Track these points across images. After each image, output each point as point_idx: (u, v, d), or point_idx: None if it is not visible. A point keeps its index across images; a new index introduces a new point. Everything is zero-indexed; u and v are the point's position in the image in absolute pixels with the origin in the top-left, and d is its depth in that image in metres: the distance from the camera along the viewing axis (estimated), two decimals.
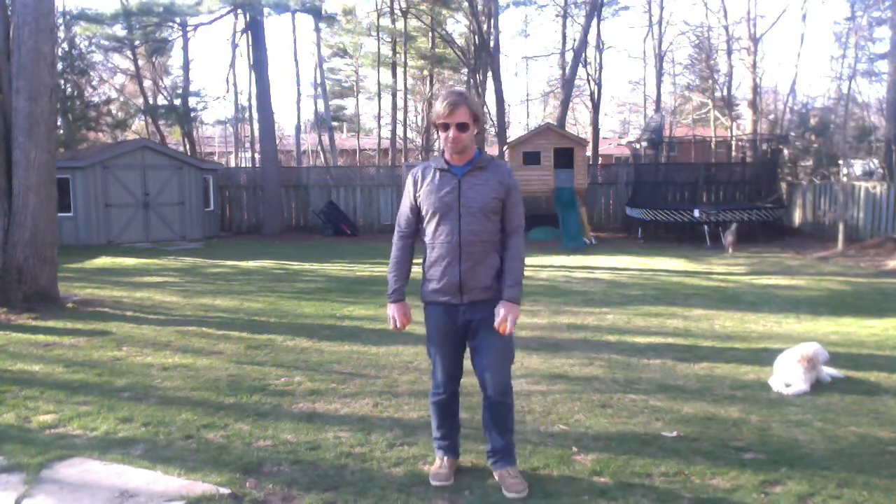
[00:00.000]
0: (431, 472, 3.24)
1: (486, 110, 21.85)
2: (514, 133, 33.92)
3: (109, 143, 21.22)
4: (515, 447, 3.27)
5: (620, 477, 3.26)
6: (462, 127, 2.99)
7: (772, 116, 27.53)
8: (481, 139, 21.26)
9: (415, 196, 3.14)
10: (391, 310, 3.20)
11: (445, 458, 3.27)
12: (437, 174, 3.10)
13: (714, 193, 18.62)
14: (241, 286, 9.50)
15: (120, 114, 24.03)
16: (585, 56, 25.04)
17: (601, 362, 5.33)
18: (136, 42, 22.46)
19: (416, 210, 3.16)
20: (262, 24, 19.70)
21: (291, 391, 4.61)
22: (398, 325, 3.20)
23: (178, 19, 21.11)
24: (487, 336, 3.08)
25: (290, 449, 3.59)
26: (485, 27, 23.06)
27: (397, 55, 29.71)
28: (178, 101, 25.17)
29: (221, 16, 20.69)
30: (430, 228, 3.11)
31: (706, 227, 15.08)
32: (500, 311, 3.07)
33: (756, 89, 26.31)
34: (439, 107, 3.01)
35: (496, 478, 3.17)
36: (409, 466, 3.38)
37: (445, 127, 3.00)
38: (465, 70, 28.24)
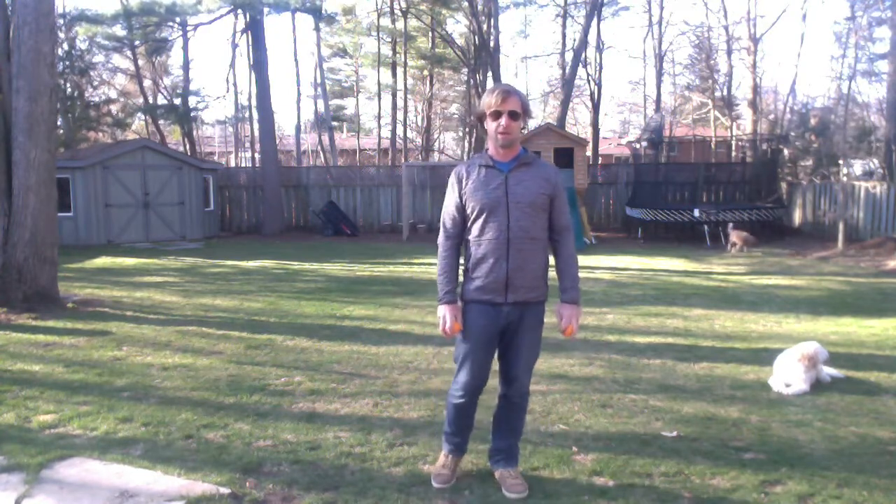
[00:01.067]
0: (434, 471, 3.23)
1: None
2: None
3: (109, 143, 21.21)
4: (519, 450, 3.26)
5: (620, 477, 3.26)
6: (514, 115, 2.94)
7: (772, 116, 27.54)
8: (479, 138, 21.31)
9: (460, 194, 3.05)
10: (444, 311, 3.06)
11: (451, 456, 3.23)
12: (483, 171, 3.03)
13: (714, 193, 18.62)
14: (241, 286, 9.50)
15: (121, 114, 24.02)
16: (585, 56, 25.04)
17: (601, 362, 5.33)
18: (136, 42, 22.46)
19: (461, 209, 3.06)
20: (262, 24, 19.71)
21: (291, 391, 4.61)
22: (449, 328, 3.04)
23: (178, 19, 21.11)
24: (523, 338, 3.05)
25: (290, 449, 3.59)
26: (485, 27, 23.06)
27: (397, 55, 29.72)
28: (178, 101, 25.18)
29: (221, 16, 20.70)
30: (476, 226, 3.02)
31: (706, 227, 15.08)
32: (564, 314, 3.07)
33: (756, 89, 26.32)
34: (490, 97, 2.96)
35: (496, 477, 3.17)
36: (409, 466, 3.38)
37: (496, 115, 2.94)
38: (465, 70, 28.25)
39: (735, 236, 13.39)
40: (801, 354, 4.60)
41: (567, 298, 3.08)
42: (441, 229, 3.15)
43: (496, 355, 3.15)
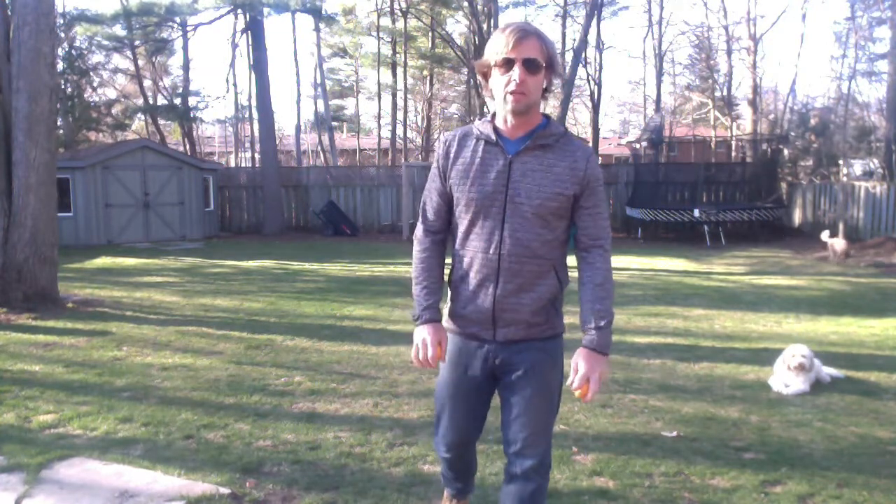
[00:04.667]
0: None
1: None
2: None
3: (109, 143, 21.23)
4: None
5: (620, 477, 3.25)
6: (532, 66, 1.96)
7: (772, 116, 27.54)
8: None
9: (445, 175, 2.16)
10: (422, 333, 2.14)
11: (455, 500, 2.59)
12: (481, 147, 2.10)
13: (714, 193, 18.61)
14: (241, 286, 9.50)
15: (121, 116, 24.05)
16: (585, 56, 25.03)
17: None
18: (136, 42, 22.48)
19: (447, 196, 2.18)
20: (262, 24, 19.71)
21: (291, 391, 4.61)
22: (432, 357, 2.12)
23: (178, 19, 21.12)
24: (526, 385, 2.12)
25: (290, 449, 3.59)
26: (485, 27, 23.06)
27: (397, 55, 29.74)
28: (178, 101, 25.21)
29: (221, 16, 20.70)
30: (461, 227, 2.14)
31: (706, 227, 15.08)
32: (582, 366, 2.04)
33: (756, 89, 26.32)
34: (498, 39, 1.99)
35: None
36: (409, 466, 3.38)
37: (507, 65, 1.97)
38: (465, 70, 28.26)
39: (838, 245, 11.72)
40: (782, 356, 4.63)
41: (589, 342, 2.07)
42: (420, 221, 2.26)
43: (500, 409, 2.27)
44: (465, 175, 2.11)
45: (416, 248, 2.26)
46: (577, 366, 2.06)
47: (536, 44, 1.98)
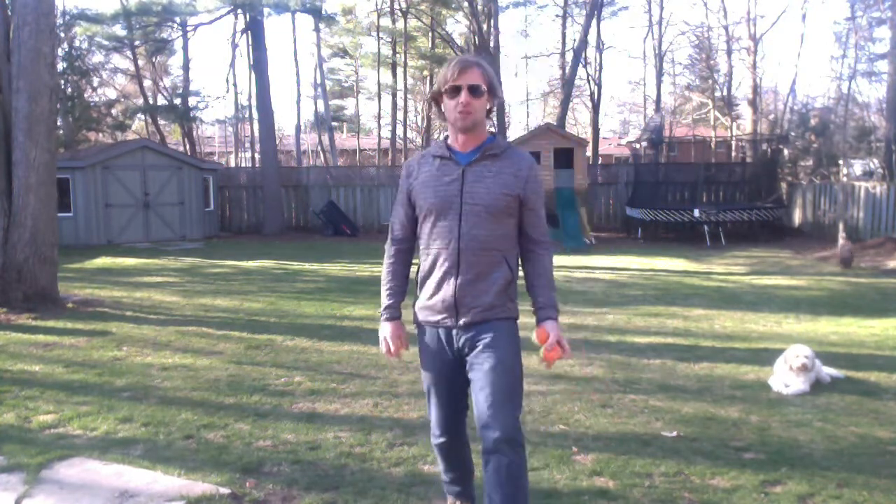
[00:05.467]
0: None
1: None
2: (514, 133, 34.00)
3: (109, 143, 21.22)
4: None
5: (620, 477, 3.25)
6: (476, 91, 2.35)
7: (772, 116, 27.55)
8: None
9: (408, 191, 2.53)
10: (383, 331, 2.60)
11: (458, 502, 2.77)
12: (437, 162, 2.48)
13: (714, 193, 18.62)
14: (241, 286, 9.50)
15: (121, 116, 24.04)
16: (585, 56, 25.05)
17: (601, 362, 5.33)
18: (136, 42, 22.47)
19: (411, 210, 2.55)
20: (262, 24, 19.71)
21: (291, 391, 4.61)
22: (391, 351, 2.60)
23: (178, 19, 21.12)
24: (485, 363, 2.39)
25: (290, 449, 3.59)
26: (485, 27, 23.06)
27: (397, 55, 29.76)
28: (178, 101, 25.22)
29: (221, 16, 20.71)
30: (424, 230, 2.50)
31: (706, 227, 15.08)
32: (551, 332, 2.41)
33: (756, 89, 26.35)
34: (446, 70, 2.39)
35: None
36: (409, 466, 3.39)
37: (454, 91, 2.36)
38: None
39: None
40: (784, 356, 4.62)
41: (545, 316, 2.45)
42: (389, 233, 2.66)
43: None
44: (425, 185, 2.47)
45: (385, 257, 2.68)
46: (546, 333, 2.41)
47: (478, 72, 2.37)
